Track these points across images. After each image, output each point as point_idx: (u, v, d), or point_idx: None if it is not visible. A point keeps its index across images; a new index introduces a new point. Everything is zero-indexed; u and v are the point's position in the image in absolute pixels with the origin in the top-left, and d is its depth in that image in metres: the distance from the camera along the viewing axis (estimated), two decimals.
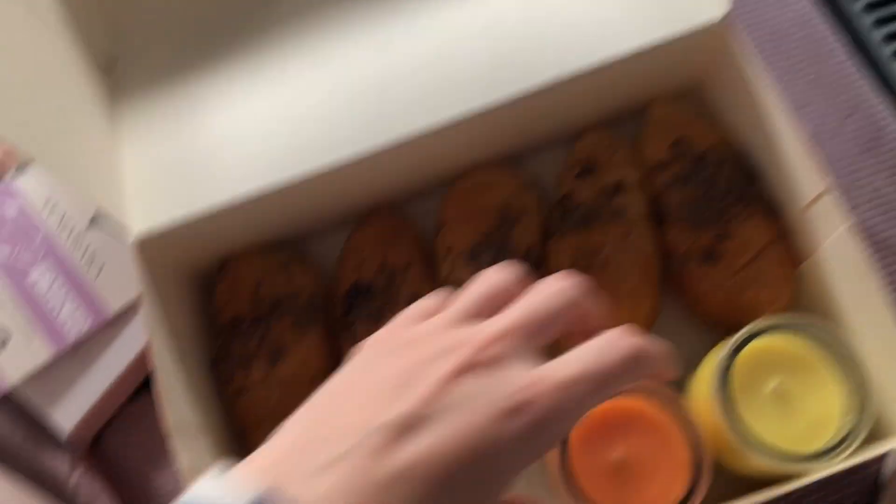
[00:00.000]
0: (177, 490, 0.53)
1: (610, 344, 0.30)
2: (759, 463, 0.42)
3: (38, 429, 0.54)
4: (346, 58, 0.51)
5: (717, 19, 0.48)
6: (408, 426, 0.27)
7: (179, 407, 0.46)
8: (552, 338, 0.31)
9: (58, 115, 0.46)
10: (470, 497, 0.27)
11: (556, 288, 0.32)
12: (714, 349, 0.47)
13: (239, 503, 0.24)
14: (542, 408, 0.28)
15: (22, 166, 0.58)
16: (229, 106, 0.50)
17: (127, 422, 0.55)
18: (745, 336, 0.44)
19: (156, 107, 0.51)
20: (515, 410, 0.27)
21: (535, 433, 0.27)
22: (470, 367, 0.28)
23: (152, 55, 0.53)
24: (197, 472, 0.43)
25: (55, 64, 0.48)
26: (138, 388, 0.56)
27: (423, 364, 0.29)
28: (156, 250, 0.48)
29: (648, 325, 0.50)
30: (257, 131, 0.49)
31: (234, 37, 0.53)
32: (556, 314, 0.31)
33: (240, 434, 0.51)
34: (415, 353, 0.29)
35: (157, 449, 0.54)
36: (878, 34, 0.67)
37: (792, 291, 0.49)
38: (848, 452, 0.41)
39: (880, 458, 0.49)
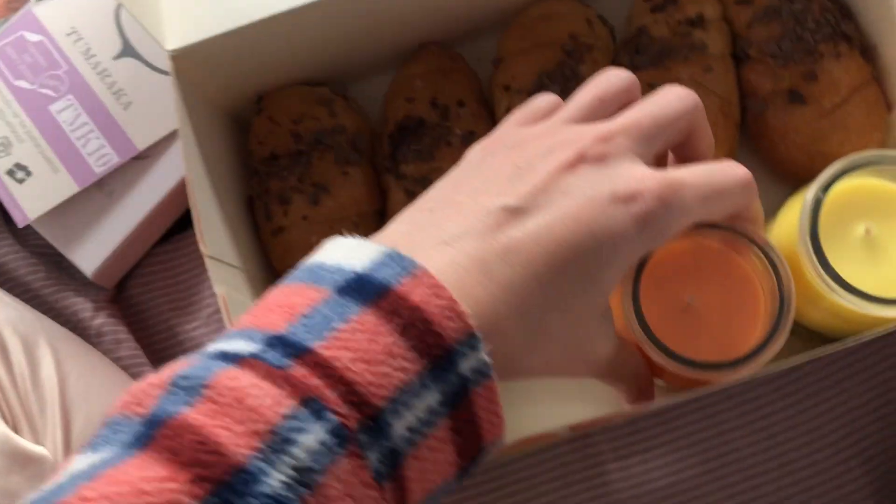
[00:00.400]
0: (202, 337, 0.50)
1: (723, 165, 0.32)
2: (844, 307, 0.39)
3: (61, 269, 0.51)
4: None
5: None
6: (522, 208, 0.28)
7: (216, 239, 0.42)
8: (665, 145, 0.32)
9: None
10: (581, 277, 0.28)
11: (672, 95, 0.32)
12: (797, 193, 0.43)
13: (368, 262, 0.25)
14: (653, 198, 0.28)
15: None
16: None
17: (153, 267, 0.52)
18: (837, 172, 0.40)
19: None
20: (629, 198, 0.28)
21: (645, 224, 0.28)
22: (582, 160, 0.29)
23: None
24: (234, 304, 0.40)
25: None
26: (165, 233, 0.53)
27: (537, 157, 0.29)
28: (190, 72, 0.44)
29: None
30: None
31: None
32: (672, 120, 0.31)
33: (277, 274, 0.47)
34: (528, 148, 0.30)
35: (182, 296, 0.52)
36: None
37: (881, 140, 0.45)
38: None
39: None
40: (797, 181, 0.46)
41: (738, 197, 0.32)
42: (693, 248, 0.39)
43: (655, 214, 0.28)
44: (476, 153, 0.32)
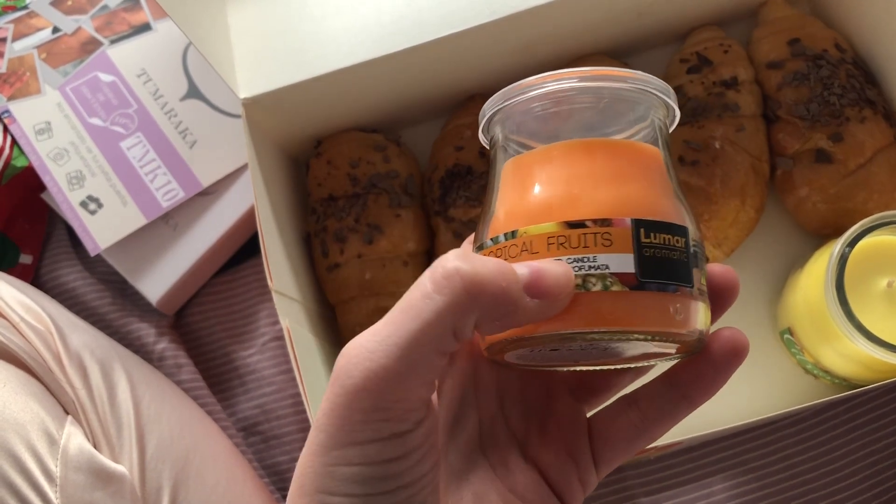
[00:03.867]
0: (256, 363, 0.53)
1: None
2: (866, 355, 0.41)
3: (126, 296, 0.54)
4: None
5: None
6: None
7: (280, 274, 0.46)
8: None
9: None
10: None
11: None
12: (826, 245, 0.46)
13: None
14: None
15: (115, 38, 0.58)
16: None
17: (212, 297, 0.55)
18: (862, 229, 0.43)
19: None
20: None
21: None
22: None
23: None
24: (295, 335, 0.43)
25: None
26: (225, 264, 0.56)
27: None
28: (259, 117, 0.48)
29: (753, 224, 0.49)
30: (362, 6, 0.48)
31: None
32: None
33: (330, 307, 0.51)
34: None
35: (238, 325, 0.55)
36: None
37: None
38: None
39: None
40: (823, 235, 0.49)
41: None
42: None
43: None
44: None
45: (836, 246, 0.43)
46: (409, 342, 0.22)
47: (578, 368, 0.29)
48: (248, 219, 0.54)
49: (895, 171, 0.48)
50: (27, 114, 0.55)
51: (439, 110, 0.55)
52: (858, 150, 0.47)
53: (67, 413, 0.41)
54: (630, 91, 0.27)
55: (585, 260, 0.24)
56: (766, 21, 0.52)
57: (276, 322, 0.53)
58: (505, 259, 0.25)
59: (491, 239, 0.27)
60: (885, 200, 0.48)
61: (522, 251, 0.25)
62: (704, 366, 0.26)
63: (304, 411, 0.51)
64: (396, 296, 0.49)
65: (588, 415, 0.30)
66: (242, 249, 0.56)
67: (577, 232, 0.25)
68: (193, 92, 0.56)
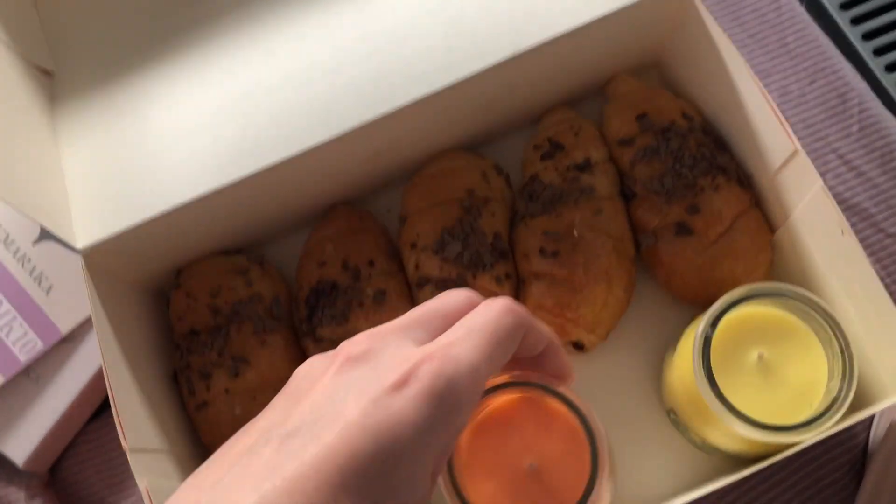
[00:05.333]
0: None
1: (484, 305, 0.30)
2: (746, 436, 0.41)
3: None
4: (294, 46, 0.49)
5: None
6: (297, 432, 0.26)
7: (139, 426, 0.43)
8: (433, 332, 0.30)
9: None
10: (385, 485, 0.25)
11: (450, 295, 0.32)
12: (693, 322, 0.45)
13: None
14: (429, 372, 0.27)
15: None
16: (173, 104, 0.48)
17: (86, 446, 0.52)
18: (723, 307, 0.43)
19: (96, 110, 0.49)
20: (400, 383, 0.26)
21: (430, 404, 0.26)
22: (347, 360, 0.28)
23: (90, 57, 0.50)
24: (160, 493, 0.41)
25: None
26: (97, 409, 0.53)
27: (317, 371, 0.29)
28: (105, 262, 0.46)
29: (625, 304, 0.48)
30: (204, 129, 0.47)
31: (174, 32, 0.50)
32: (438, 312, 0.31)
33: (206, 449, 0.48)
34: (315, 364, 0.30)
35: (116, 473, 0.52)
36: (833, 2, 0.67)
37: (768, 261, 0.48)
38: (835, 420, 0.40)
39: (868, 423, 0.48)
40: (697, 306, 0.49)
41: (514, 328, 0.30)
42: (509, 406, 0.37)
43: (437, 390, 0.26)
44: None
45: (699, 328, 0.42)
46: None
47: None
48: None
49: (757, 234, 0.48)
50: None
51: (304, 221, 0.54)
52: (717, 219, 0.47)
53: None
54: None
55: None
56: (615, 97, 0.52)
57: None
58: None
59: None
60: (750, 265, 0.48)
61: None
62: None
63: None
64: None
65: None
66: None
67: None
68: (45, 234, 0.54)
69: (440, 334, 0.30)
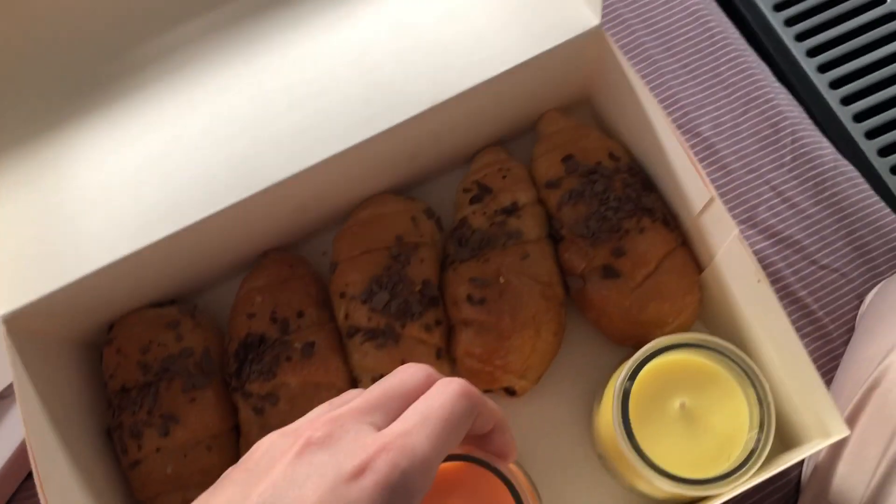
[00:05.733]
0: None
1: (439, 387, 0.31)
2: (666, 490, 0.41)
3: None
4: (215, 101, 0.48)
5: (592, 27, 0.46)
6: None
7: (66, 492, 0.43)
8: (392, 415, 0.31)
9: None
10: None
11: (407, 372, 0.32)
12: (616, 371, 0.45)
13: None
14: (385, 463, 0.28)
15: None
16: (94, 161, 0.48)
17: (25, 503, 0.52)
18: (643, 358, 0.43)
19: (16, 167, 0.48)
20: (357, 472, 0.27)
21: (383, 494, 0.27)
22: (307, 445, 0.29)
23: (12, 116, 0.50)
24: None
25: None
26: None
27: (278, 452, 0.29)
28: (30, 324, 0.46)
29: (555, 348, 0.48)
30: (125, 188, 0.47)
31: (95, 86, 0.50)
32: (396, 393, 0.31)
33: None
34: (276, 445, 0.30)
35: None
36: (778, 18, 0.66)
37: (696, 301, 0.48)
38: (751, 473, 0.40)
39: (798, 467, 0.48)
40: (628, 346, 0.49)
41: (467, 413, 0.31)
42: (453, 474, 0.37)
43: (391, 482, 0.27)
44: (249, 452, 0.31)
45: (618, 380, 0.42)
46: None
47: None
48: None
49: (684, 275, 0.48)
50: None
51: (239, 267, 0.54)
52: (642, 261, 0.47)
53: None
54: None
55: None
56: (544, 136, 0.52)
57: None
58: None
59: None
60: (678, 306, 0.48)
61: None
62: None
63: None
64: (203, 485, 0.46)
65: None
66: None
67: None
68: None
69: (398, 415, 0.30)
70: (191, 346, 0.49)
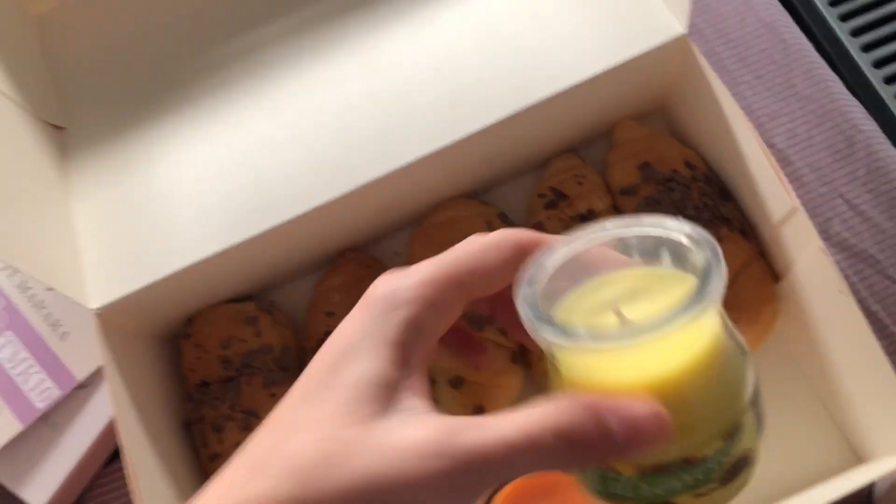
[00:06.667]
0: None
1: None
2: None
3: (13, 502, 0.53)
4: (300, 101, 0.49)
5: (678, 35, 0.47)
6: None
7: (151, 476, 0.44)
8: None
9: (9, 181, 0.44)
10: None
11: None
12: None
13: None
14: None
15: None
16: (181, 160, 0.49)
17: (103, 489, 0.54)
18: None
19: (106, 166, 0.50)
20: None
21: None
22: None
23: (100, 113, 0.51)
24: None
25: (6, 128, 0.46)
26: (114, 452, 0.54)
27: None
28: (117, 319, 0.47)
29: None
30: (212, 187, 0.48)
31: (182, 86, 0.51)
32: None
33: None
34: None
35: None
36: (846, 28, 0.66)
37: (773, 311, 0.48)
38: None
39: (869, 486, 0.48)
40: None
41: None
42: None
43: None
44: None
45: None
46: None
47: None
48: None
49: (760, 285, 0.48)
50: None
51: (313, 266, 0.55)
52: None
53: None
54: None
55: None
56: (619, 143, 0.53)
57: None
58: None
59: None
60: (755, 315, 0.48)
61: None
62: None
63: None
64: None
65: None
66: None
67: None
68: None
69: None
70: (270, 342, 0.50)
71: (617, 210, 0.51)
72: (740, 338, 0.27)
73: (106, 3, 0.55)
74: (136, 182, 0.49)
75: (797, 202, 0.43)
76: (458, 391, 0.48)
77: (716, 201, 0.49)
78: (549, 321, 0.25)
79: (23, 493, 0.51)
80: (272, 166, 0.48)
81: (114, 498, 0.54)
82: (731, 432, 0.25)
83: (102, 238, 0.48)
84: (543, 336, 0.24)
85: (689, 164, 0.50)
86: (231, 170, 0.48)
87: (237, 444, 0.47)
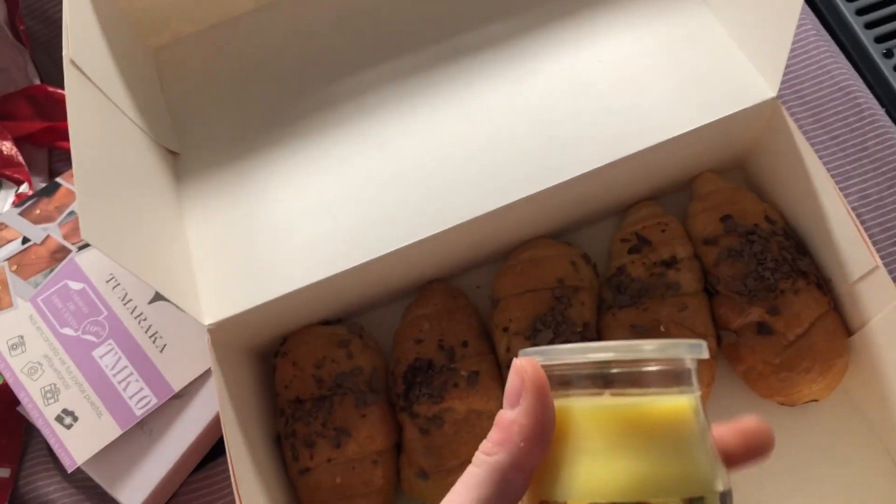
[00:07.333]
0: None
1: None
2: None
3: (105, 502, 0.55)
4: (405, 144, 0.53)
5: (768, 99, 0.49)
6: None
7: (250, 487, 0.47)
8: None
9: (135, 199, 0.48)
10: None
11: None
12: None
13: None
14: None
15: (83, 245, 0.60)
16: (292, 189, 0.52)
17: (188, 496, 0.56)
18: None
19: (219, 191, 0.53)
20: None
21: None
22: None
23: (212, 140, 0.55)
24: None
25: (129, 150, 0.50)
26: (201, 461, 0.57)
27: None
28: (225, 338, 0.50)
29: (705, 397, 0.51)
30: (321, 217, 0.51)
31: (292, 120, 0.55)
32: None
33: None
34: None
35: None
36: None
37: (844, 364, 0.51)
38: None
39: None
40: (772, 398, 0.51)
41: None
42: None
43: None
44: None
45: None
46: None
47: None
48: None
49: (833, 337, 0.50)
50: (0, 329, 0.57)
51: (398, 295, 0.57)
52: (796, 321, 0.50)
53: None
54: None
55: None
56: (700, 195, 0.55)
57: None
58: None
59: None
60: (826, 367, 0.50)
61: None
62: None
63: None
64: (368, 496, 0.51)
65: None
66: (216, 446, 0.57)
67: None
68: (160, 295, 0.58)
69: None
70: (361, 364, 0.53)
71: (698, 258, 0.53)
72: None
73: (216, 38, 0.59)
74: (247, 209, 0.52)
75: (879, 261, 0.45)
76: None
77: (794, 255, 0.51)
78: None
79: (118, 495, 0.54)
80: (377, 202, 0.51)
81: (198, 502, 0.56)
82: (692, 499, 0.26)
83: (215, 260, 0.51)
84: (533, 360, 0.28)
85: (768, 219, 0.53)
86: (338, 203, 0.51)
87: (328, 461, 0.51)
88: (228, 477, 0.56)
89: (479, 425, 0.51)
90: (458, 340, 0.52)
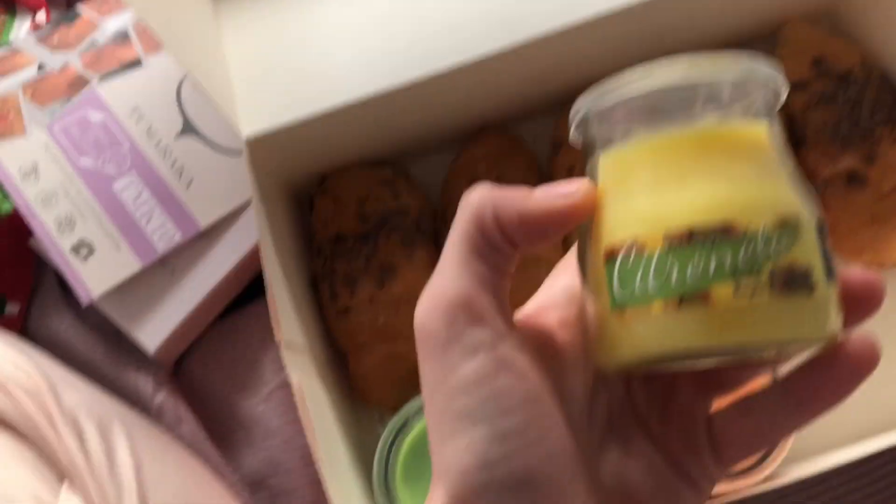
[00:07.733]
0: (261, 414, 0.50)
1: None
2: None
3: (121, 345, 0.51)
4: None
5: None
6: None
7: (288, 322, 0.43)
8: None
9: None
10: None
11: None
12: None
13: None
14: None
15: (105, 75, 0.55)
16: (346, 3, 0.47)
17: (211, 345, 0.52)
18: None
19: (259, 3, 0.48)
20: None
21: None
22: None
23: None
24: (306, 388, 0.40)
25: None
26: (224, 308, 0.53)
27: None
28: (263, 155, 0.45)
29: None
30: (373, 30, 0.46)
31: None
32: None
33: (341, 354, 0.48)
34: None
35: (241, 374, 0.51)
36: None
37: None
38: None
39: None
40: (859, 258, 0.47)
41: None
42: None
43: None
44: None
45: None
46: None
47: (700, 367, 0.25)
48: (249, 261, 0.51)
49: None
50: (11, 156, 0.52)
51: (448, 142, 0.53)
52: (892, 170, 0.45)
53: (63, 479, 0.38)
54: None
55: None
56: (788, 42, 0.50)
57: (282, 369, 0.50)
58: None
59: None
60: None
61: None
62: (826, 376, 0.23)
63: (314, 463, 0.48)
64: (412, 339, 0.46)
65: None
66: (243, 292, 0.53)
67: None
68: (189, 129, 0.53)
69: None
70: (408, 204, 0.48)
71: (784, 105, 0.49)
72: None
73: None
74: (292, 19, 0.47)
75: None
76: None
77: (890, 103, 0.46)
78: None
79: (136, 334, 0.50)
80: (435, 16, 0.46)
81: (221, 354, 0.52)
82: (785, 220, 0.21)
83: (255, 71, 0.46)
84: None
85: (864, 65, 0.48)
86: (393, 16, 0.46)
87: (370, 300, 0.46)
88: (255, 325, 0.52)
89: (537, 271, 0.46)
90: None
